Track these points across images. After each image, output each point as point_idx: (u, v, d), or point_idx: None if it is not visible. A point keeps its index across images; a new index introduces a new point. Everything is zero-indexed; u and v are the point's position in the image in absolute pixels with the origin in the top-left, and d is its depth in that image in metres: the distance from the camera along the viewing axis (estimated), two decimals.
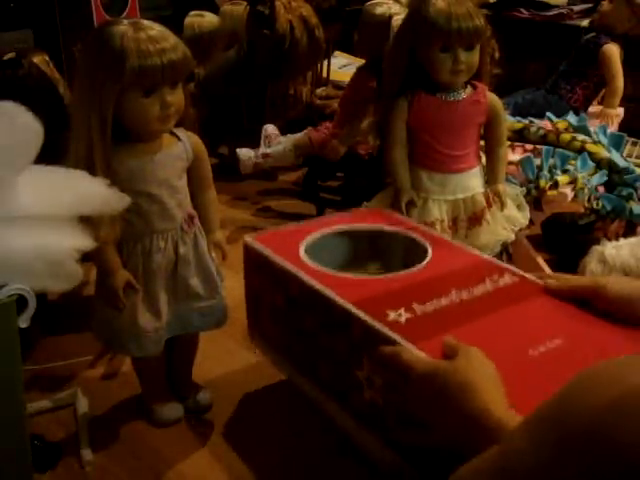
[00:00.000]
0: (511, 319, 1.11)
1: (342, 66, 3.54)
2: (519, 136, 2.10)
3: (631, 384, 0.49)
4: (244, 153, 2.48)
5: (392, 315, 1.10)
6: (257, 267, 1.45)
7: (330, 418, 1.29)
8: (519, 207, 1.75)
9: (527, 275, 1.24)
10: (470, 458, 0.68)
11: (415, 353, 0.96)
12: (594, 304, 1.08)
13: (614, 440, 0.47)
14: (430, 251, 1.37)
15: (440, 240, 1.45)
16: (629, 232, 2.06)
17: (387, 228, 1.52)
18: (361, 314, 1.12)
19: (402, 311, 1.11)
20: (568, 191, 1.88)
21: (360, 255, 1.54)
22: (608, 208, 1.95)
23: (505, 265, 1.31)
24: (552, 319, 1.10)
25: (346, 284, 1.24)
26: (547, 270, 2.04)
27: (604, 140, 2.02)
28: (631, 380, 0.50)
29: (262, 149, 2.49)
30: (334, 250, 1.50)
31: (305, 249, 1.39)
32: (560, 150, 1.97)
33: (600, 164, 1.97)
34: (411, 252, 1.42)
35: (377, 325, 1.08)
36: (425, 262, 1.33)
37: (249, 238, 1.46)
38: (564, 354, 1.00)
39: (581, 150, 1.97)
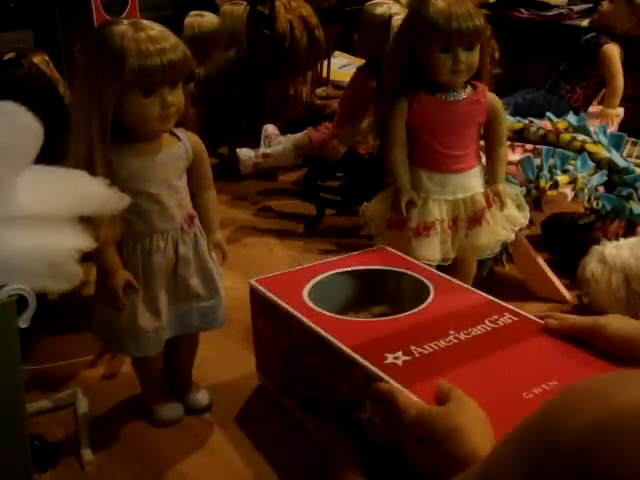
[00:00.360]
0: (507, 360, 1.12)
1: (342, 66, 3.54)
2: (519, 136, 2.10)
3: (618, 403, 0.47)
4: (244, 153, 2.48)
5: (390, 358, 1.12)
6: (262, 309, 1.48)
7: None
8: (519, 207, 1.75)
9: (527, 314, 1.25)
10: None
11: (409, 396, 0.97)
12: (593, 343, 1.08)
13: (598, 462, 0.45)
14: (432, 291, 1.38)
15: (442, 280, 1.46)
16: (629, 232, 2.06)
17: (391, 268, 1.53)
18: (359, 358, 1.14)
19: (400, 354, 1.13)
20: (568, 191, 1.88)
21: (364, 296, 1.55)
22: (608, 208, 1.95)
23: (505, 305, 1.31)
24: (549, 360, 1.11)
25: (347, 327, 1.27)
26: (547, 270, 2.04)
27: (604, 140, 2.02)
28: (618, 398, 0.48)
29: (262, 149, 2.49)
30: (338, 292, 1.52)
31: (309, 292, 1.41)
32: (560, 150, 1.97)
33: (600, 164, 1.96)
34: (414, 292, 1.44)
35: (374, 369, 1.10)
36: (426, 303, 1.34)
37: (254, 281, 1.48)
38: (553, 390, 1.00)
39: (581, 150, 1.97)
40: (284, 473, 1.39)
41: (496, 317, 1.24)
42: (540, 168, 1.90)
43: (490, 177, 1.71)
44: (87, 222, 1.09)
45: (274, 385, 1.54)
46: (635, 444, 0.45)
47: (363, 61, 2.44)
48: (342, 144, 2.38)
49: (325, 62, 3.20)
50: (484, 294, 1.39)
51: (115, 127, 1.27)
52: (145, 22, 1.28)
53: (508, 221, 1.71)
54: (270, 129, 2.55)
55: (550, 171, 1.90)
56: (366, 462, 1.07)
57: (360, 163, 2.43)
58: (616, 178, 1.97)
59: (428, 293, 1.38)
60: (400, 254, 1.59)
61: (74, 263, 1.04)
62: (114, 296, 1.33)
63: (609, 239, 1.93)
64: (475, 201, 1.67)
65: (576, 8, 3.49)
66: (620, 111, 2.78)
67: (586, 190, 1.90)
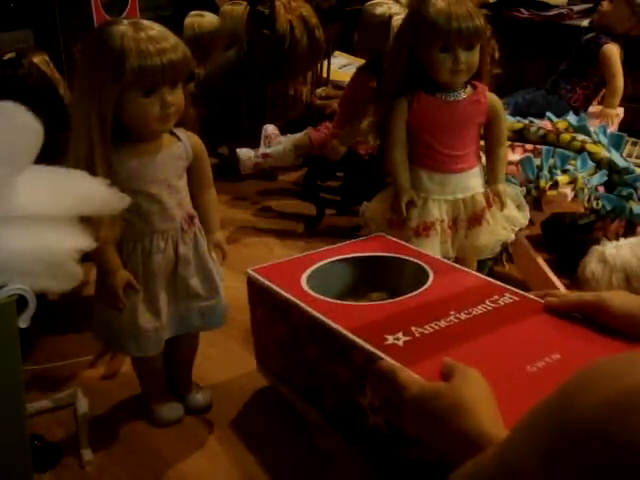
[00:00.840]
0: (510, 338, 1.12)
1: (342, 66, 3.54)
2: (519, 136, 2.10)
3: (631, 381, 0.48)
4: (244, 153, 2.48)
5: (390, 339, 1.11)
6: (260, 299, 1.47)
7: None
8: (519, 207, 1.75)
9: (527, 294, 1.24)
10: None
11: (410, 374, 0.96)
12: (595, 319, 1.07)
13: (614, 438, 0.46)
14: (431, 275, 1.38)
15: (441, 264, 1.46)
16: (629, 232, 2.06)
17: (388, 254, 1.53)
18: (359, 340, 1.13)
19: (400, 335, 1.12)
20: (568, 191, 1.88)
21: (362, 283, 1.55)
22: (608, 208, 1.95)
23: (505, 285, 1.31)
24: (551, 336, 1.11)
25: (346, 312, 1.26)
26: (547, 270, 2.04)
27: (604, 140, 2.02)
28: (632, 377, 0.49)
29: (262, 149, 2.49)
30: (336, 279, 1.51)
31: (306, 279, 1.40)
32: (560, 150, 1.96)
33: (600, 164, 1.96)
34: (413, 277, 1.43)
35: (374, 349, 1.09)
36: (425, 286, 1.34)
37: (251, 270, 1.48)
38: (563, 369, 1.00)
39: (581, 150, 1.97)
40: (284, 473, 1.39)
41: (496, 297, 1.24)
42: (540, 168, 1.90)
43: (490, 177, 1.71)
44: (87, 222, 1.09)
45: (273, 375, 1.53)
46: None
47: (363, 61, 2.44)
48: (342, 144, 2.38)
49: (325, 62, 3.20)
50: (483, 276, 1.39)
51: (115, 127, 1.27)
52: (145, 22, 1.28)
53: (508, 221, 1.71)
54: (270, 129, 2.55)
55: (550, 171, 1.90)
56: (366, 462, 1.07)
57: (360, 163, 2.43)
58: (616, 178, 1.97)
59: (427, 277, 1.37)
60: (398, 241, 1.59)
61: (74, 263, 1.04)
62: (114, 296, 1.33)
63: (609, 239, 1.93)
64: (475, 201, 1.67)
65: (576, 8, 3.49)
66: (620, 111, 2.78)
67: (586, 190, 1.90)
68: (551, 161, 1.92)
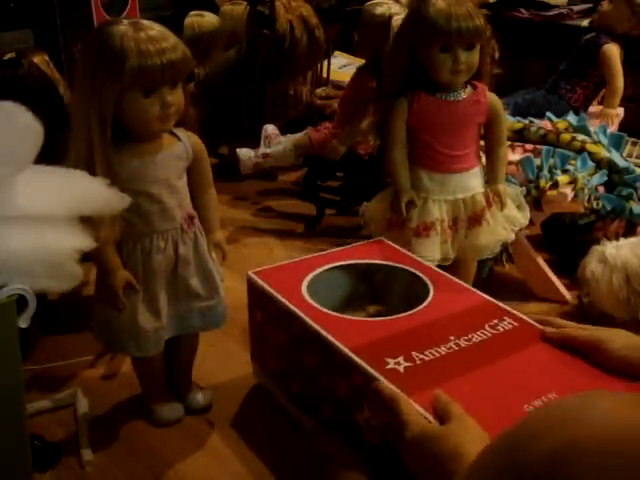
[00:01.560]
0: (508, 370, 1.12)
1: (342, 66, 3.54)
2: (519, 136, 2.10)
3: (582, 429, 0.46)
4: (244, 153, 2.48)
5: (391, 363, 1.12)
6: (260, 302, 1.47)
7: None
8: (519, 207, 1.75)
9: (526, 318, 1.25)
10: None
11: (411, 408, 0.96)
12: (592, 358, 1.08)
13: None
14: (431, 291, 1.38)
15: (441, 277, 1.46)
16: (629, 232, 2.06)
17: (389, 263, 1.53)
18: (360, 361, 1.14)
19: (401, 359, 1.13)
20: (568, 191, 1.88)
21: (362, 291, 1.55)
22: (608, 208, 1.95)
23: (504, 307, 1.31)
24: (549, 370, 1.11)
25: (347, 327, 1.26)
26: (547, 270, 2.04)
27: (604, 140, 2.02)
28: (582, 425, 0.47)
29: (262, 149, 2.49)
30: (336, 286, 1.52)
31: (307, 285, 1.40)
32: (560, 150, 1.97)
33: (600, 164, 1.96)
34: (412, 288, 1.43)
35: (376, 374, 1.09)
36: (425, 304, 1.34)
37: (252, 273, 1.47)
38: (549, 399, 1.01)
39: (581, 150, 1.97)
40: (283, 473, 1.39)
41: (496, 322, 1.25)
42: (540, 168, 1.90)
43: (490, 177, 1.71)
44: (87, 222, 1.09)
45: (268, 378, 1.53)
46: (594, 472, 0.44)
47: (363, 61, 2.44)
48: (342, 144, 2.38)
49: (325, 62, 3.20)
50: (483, 294, 1.39)
51: (115, 127, 1.27)
52: (145, 22, 1.28)
53: (508, 221, 1.71)
54: (270, 129, 2.55)
55: (550, 171, 1.90)
56: (365, 465, 1.07)
57: (360, 163, 2.43)
58: (616, 178, 1.97)
59: (427, 291, 1.38)
60: (399, 248, 1.59)
61: (74, 263, 1.04)
62: (114, 296, 1.33)
63: (609, 239, 1.93)
64: (475, 201, 1.67)
65: (576, 8, 3.49)
66: (620, 111, 2.78)
67: (586, 190, 1.90)
68: (551, 161, 1.92)
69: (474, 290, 1.42)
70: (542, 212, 1.97)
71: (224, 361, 1.73)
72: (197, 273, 1.42)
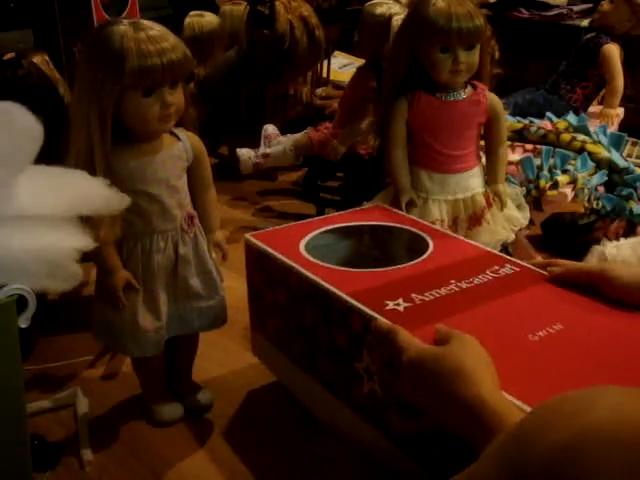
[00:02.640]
0: (511, 307, 1.11)
1: (342, 66, 3.54)
2: (519, 136, 2.10)
3: (588, 422, 0.47)
4: (244, 153, 2.48)
5: (390, 305, 1.10)
6: (258, 264, 1.46)
7: (331, 417, 1.30)
8: (519, 207, 1.75)
9: (528, 265, 1.24)
10: (465, 441, 0.68)
11: (409, 335, 0.95)
12: (599, 289, 1.07)
13: (569, 479, 0.45)
14: (431, 244, 1.37)
15: (441, 234, 1.45)
16: (629, 232, 2.06)
17: (388, 223, 1.52)
18: (359, 304, 1.12)
19: (400, 301, 1.11)
20: (568, 191, 1.88)
21: (361, 251, 1.54)
22: (608, 208, 1.95)
23: (506, 256, 1.31)
24: (553, 306, 1.10)
25: (345, 277, 1.25)
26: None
27: (604, 140, 2.02)
28: (589, 417, 0.47)
29: (262, 149, 2.49)
30: (335, 246, 1.50)
31: (305, 246, 1.39)
32: (560, 150, 1.97)
33: (600, 164, 1.97)
34: (413, 246, 1.42)
35: (375, 314, 1.08)
36: (425, 255, 1.33)
37: (249, 236, 1.47)
38: (564, 338, 1.00)
39: (581, 150, 1.97)
40: (283, 473, 1.39)
41: (497, 267, 1.24)
42: (540, 168, 1.91)
43: (490, 177, 1.71)
44: (87, 222, 1.09)
45: (269, 342, 1.51)
46: (606, 466, 0.44)
47: (363, 61, 2.44)
48: (342, 144, 2.38)
49: (325, 62, 3.20)
50: (483, 247, 1.38)
51: (115, 127, 1.27)
52: (145, 22, 1.28)
53: (508, 221, 1.71)
54: (270, 129, 2.55)
55: (550, 171, 1.90)
56: (364, 467, 1.07)
57: (360, 163, 2.43)
58: (616, 178, 1.97)
59: (427, 246, 1.37)
60: (397, 211, 1.58)
61: (74, 263, 1.04)
62: (114, 296, 1.33)
63: (609, 239, 1.93)
64: (475, 201, 1.67)
65: (576, 8, 3.50)
66: (620, 111, 2.79)
67: (586, 190, 1.90)
68: (551, 161, 1.92)
69: (474, 243, 1.41)
70: (542, 212, 1.97)
71: (224, 361, 1.73)
72: (197, 273, 1.42)
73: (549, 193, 1.88)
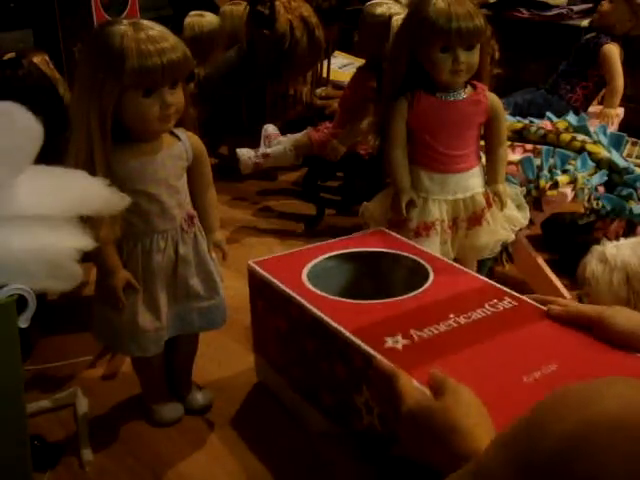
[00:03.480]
0: (507, 345, 1.12)
1: (342, 66, 3.54)
2: (519, 136, 2.10)
3: (598, 412, 0.48)
4: (244, 153, 2.48)
5: (389, 342, 1.11)
6: (261, 291, 1.47)
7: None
8: (519, 207, 1.75)
9: (526, 299, 1.24)
10: None
11: (409, 381, 0.96)
12: (596, 334, 1.07)
13: (576, 469, 0.46)
14: (431, 274, 1.38)
15: (441, 263, 1.46)
16: (629, 232, 2.06)
17: (388, 251, 1.53)
18: (359, 341, 1.13)
19: (399, 337, 1.12)
20: (568, 191, 1.88)
21: (362, 279, 1.55)
22: (608, 208, 1.95)
23: (505, 289, 1.31)
24: (549, 345, 1.11)
25: (346, 310, 1.26)
26: (547, 270, 2.04)
27: (604, 140, 2.02)
28: (599, 407, 0.48)
29: (262, 149, 2.49)
30: (337, 272, 1.52)
31: (307, 274, 1.40)
32: (560, 150, 1.96)
33: (600, 164, 1.96)
34: (413, 274, 1.43)
35: (374, 352, 1.09)
36: (424, 287, 1.34)
37: (252, 262, 1.48)
38: (559, 380, 1.00)
39: (581, 150, 1.97)
40: (283, 473, 1.39)
41: (496, 301, 1.24)
42: (540, 168, 1.90)
43: (490, 177, 1.70)
44: (87, 222, 1.09)
45: (271, 369, 1.53)
46: (613, 454, 0.45)
47: (363, 61, 2.44)
48: (342, 144, 2.38)
49: (325, 62, 3.20)
50: (483, 278, 1.38)
51: (115, 127, 1.27)
52: (145, 22, 1.28)
53: (508, 221, 1.71)
54: (270, 129, 2.55)
55: (550, 171, 1.90)
56: (365, 470, 1.07)
57: (360, 163, 2.43)
58: (616, 178, 1.97)
59: (427, 276, 1.37)
60: (398, 236, 1.59)
61: (74, 263, 1.04)
62: (114, 296, 1.33)
63: (609, 239, 1.92)
64: (475, 201, 1.67)
65: (576, 8, 3.49)
66: (620, 111, 2.78)
67: (586, 190, 1.90)
68: (551, 161, 1.92)
69: (474, 274, 1.41)
70: (542, 212, 1.96)
71: (224, 361, 1.73)
72: (197, 273, 1.42)
73: (549, 193, 1.88)
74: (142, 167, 1.32)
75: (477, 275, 1.41)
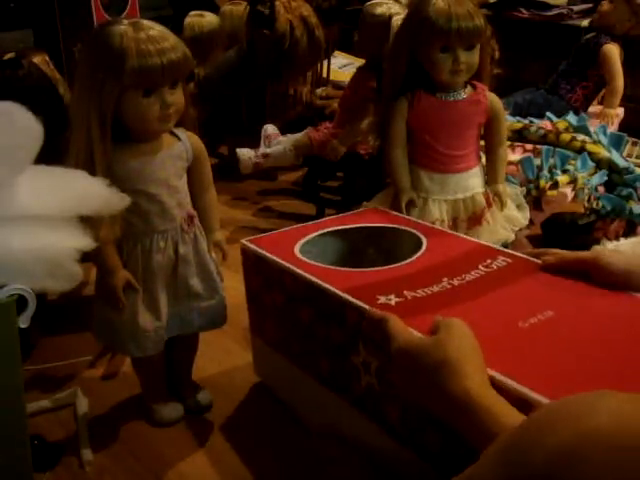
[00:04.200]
0: (502, 298, 1.11)
1: (342, 66, 3.55)
2: (519, 136, 2.10)
3: (590, 427, 0.47)
4: (244, 153, 2.48)
5: (382, 299, 1.11)
6: (255, 268, 1.47)
7: (331, 414, 1.30)
8: (519, 207, 1.75)
9: (521, 255, 1.24)
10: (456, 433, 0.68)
11: (399, 323, 0.95)
12: (592, 276, 1.07)
13: None
14: (424, 242, 1.37)
15: (434, 231, 1.45)
16: (629, 232, 2.06)
17: (382, 225, 1.52)
18: (352, 299, 1.14)
19: (392, 296, 1.12)
20: (568, 191, 1.88)
21: (356, 253, 1.54)
22: (608, 208, 1.95)
23: (498, 248, 1.31)
24: (544, 294, 1.10)
25: (339, 276, 1.26)
26: None
27: (604, 140, 2.02)
28: (591, 422, 0.47)
29: (262, 149, 2.49)
30: (329, 249, 1.51)
31: (300, 248, 1.40)
32: (560, 150, 1.97)
33: (600, 164, 1.97)
34: (408, 247, 1.42)
35: (367, 306, 1.09)
36: (419, 254, 1.33)
37: (245, 241, 1.48)
38: (555, 324, 1.00)
39: (581, 150, 1.97)
40: (283, 473, 1.39)
41: (490, 261, 1.23)
42: (540, 168, 1.91)
43: (490, 177, 1.71)
44: (87, 222, 1.09)
45: (268, 345, 1.52)
46: (605, 470, 0.44)
47: (363, 61, 2.44)
48: (342, 144, 2.38)
49: (325, 62, 3.20)
50: (477, 240, 1.38)
51: (115, 127, 1.27)
52: (145, 22, 1.28)
53: (508, 221, 1.71)
54: (270, 129, 2.55)
55: (550, 171, 1.90)
56: (367, 467, 1.07)
57: (360, 163, 2.43)
58: (616, 178, 1.97)
59: (421, 245, 1.37)
60: (390, 212, 1.58)
61: (74, 263, 1.04)
62: (114, 296, 1.33)
63: (609, 239, 1.93)
64: (475, 201, 1.67)
65: (576, 8, 3.50)
66: (620, 111, 2.79)
67: (586, 190, 1.90)
68: (551, 161, 1.92)
69: (468, 238, 1.41)
70: (542, 212, 1.97)
71: (224, 361, 1.73)
72: (197, 273, 1.42)
73: (549, 193, 1.88)
74: (142, 167, 1.32)
75: (470, 238, 1.40)
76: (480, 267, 1.22)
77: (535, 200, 1.89)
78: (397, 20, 2.09)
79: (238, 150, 2.50)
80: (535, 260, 1.19)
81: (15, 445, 1.12)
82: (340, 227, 1.53)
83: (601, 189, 1.96)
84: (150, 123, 1.29)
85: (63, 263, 1.02)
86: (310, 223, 1.58)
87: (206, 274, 1.44)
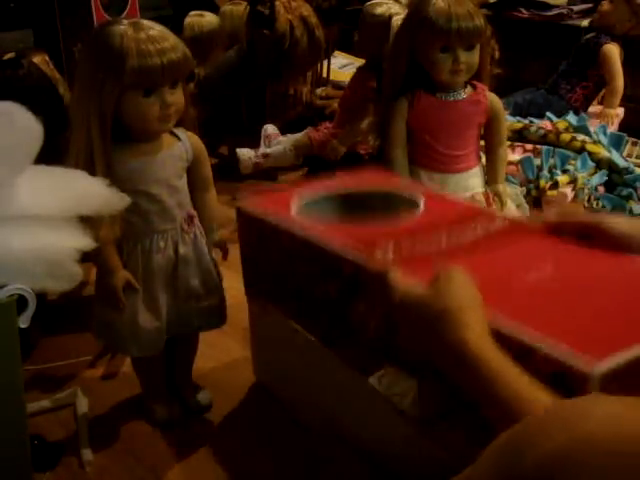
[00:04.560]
0: (501, 256, 1.11)
1: (342, 66, 3.54)
2: (519, 136, 2.10)
3: (583, 431, 0.47)
4: (244, 153, 2.48)
5: (379, 254, 1.11)
6: (250, 229, 1.44)
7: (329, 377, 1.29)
8: (519, 207, 1.75)
9: (521, 218, 1.24)
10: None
11: (399, 274, 0.94)
12: (595, 239, 1.06)
13: None
14: (422, 203, 1.36)
15: (433, 194, 1.44)
16: None
17: (379, 188, 1.51)
18: (349, 254, 1.13)
19: (389, 251, 1.12)
20: (568, 191, 1.89)
21: (352, 213, 1.53)
22: (608, 208, 1.95)
23: (499, 213, 1.31)
24: (544, 251, 1.10)
25: (337, 232, 1.24)
26: None
27: (604, 140, 2.02)
28: (585, 427, 0.48)
29: (262, 149, 2.49)
30: (326, 208, 1.49)
31: (296, 208, 1.39)
32: (560, 150, 1.97)
33: (600, 164, 1.97)
34: (405, 208, 1.42)
35: (364, 261, 1.08)
36: (415, 214, 1.32)
37: (241, 202, 1.44)
38: (555, 278, 1.01)
39: (581, 150, 1.98)
40: (283, 473, 1.39)
41: (490, 223, 1.23)
42: (540, 168, 1.91)
43: (490, 177, 1.71)
44: (87, 222, 1.09)
45: (264, 303, 1.50)
46: (594, 475, 0.45)
47: (363, 61, 2.44)
48: (342, 144, 2.38)
49: (325, 62, 3.20)
50: (474, 204, 1.38)
51: (115, 127, 1.27)
52: (145, 22, 1.28)
53: None
54: (270, 129, 2.55)
55: (550, 171, 1.91)
56: (364, 468, 1.07)
57: (360, 163, 2.43)
58: (616, 178, 1.97)
59: (419, 205, 1.36)
60: (389, 173, 1.57)
61: (74, 263, 1.04)
62: (114, 296, 1.33)
63: None
64: (475, 201, 1.67)
65: (576, 8, 3.50)
66: (620, 111, 2.79)
67: (586, 190, 1.90)
68: (551, 161, 1.93)
69: (465, 201, 1.41)
70: (542, 212, 1.97)
71: (224, 361, 1.73)
72: (197, 273, 1.42)
73: (549, 193, 1.88)
74: (142, 167, 1.32)
75: (470, 202, 1.40)
76: (478, 228, 1.21)
77: (535, 200, 1.90)
78: (397, 20, 2.09)
79: (238, 150, 2.50)
80: (535, 223, 1.18)
81: (15, 445, 1.12)
82: (338, 187, 1.50)
83: (601, 189, 1.96)
84: (150, 123, 1.28)
85: (63, 263, 1.02)
86: (306, 184, 1.56)
87: (206, 274, 1.44)
